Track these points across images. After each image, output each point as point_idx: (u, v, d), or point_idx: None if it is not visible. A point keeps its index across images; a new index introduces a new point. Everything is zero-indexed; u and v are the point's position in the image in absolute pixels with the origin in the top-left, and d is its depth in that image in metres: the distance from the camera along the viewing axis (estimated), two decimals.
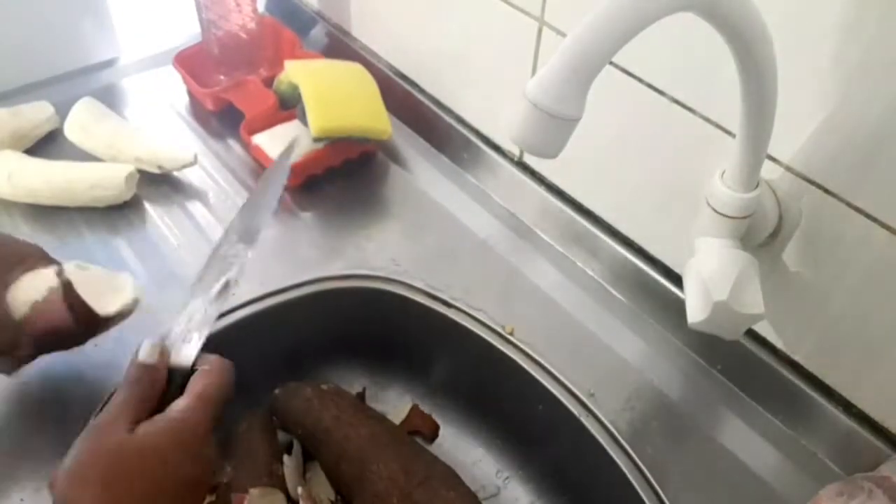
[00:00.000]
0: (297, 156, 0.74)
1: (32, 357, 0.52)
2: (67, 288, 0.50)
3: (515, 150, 0.74)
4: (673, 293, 0.62)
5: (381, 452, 0.59)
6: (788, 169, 0.50)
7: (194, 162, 0.74)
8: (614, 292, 0.67)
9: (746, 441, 0.57)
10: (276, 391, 0.64)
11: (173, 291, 0.63)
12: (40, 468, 0.52)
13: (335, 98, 0.76)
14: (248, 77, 0.84)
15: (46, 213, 0.70)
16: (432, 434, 0.69)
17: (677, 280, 0.62)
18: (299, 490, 0.59)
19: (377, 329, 0.70)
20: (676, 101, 0.55)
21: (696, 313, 0.49)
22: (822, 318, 0.53)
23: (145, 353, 0.43)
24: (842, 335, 0.53)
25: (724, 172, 0.48)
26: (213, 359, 0.45)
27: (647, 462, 0.56)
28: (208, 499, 0.59)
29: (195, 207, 0.73)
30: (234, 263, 0.47)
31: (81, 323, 0.51)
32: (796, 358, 0.57)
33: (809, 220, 0.51)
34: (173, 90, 0.87)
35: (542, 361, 0.62)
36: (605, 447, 0.57)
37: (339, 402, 0.63)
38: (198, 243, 0.68)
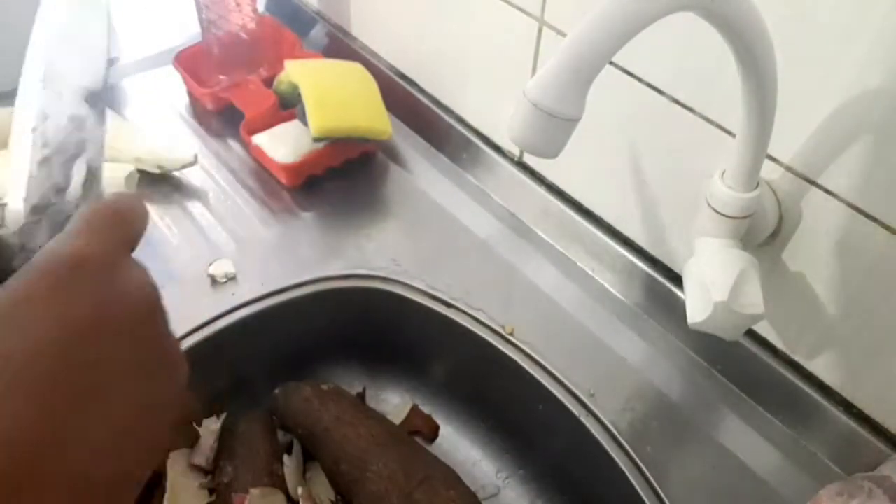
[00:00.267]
0: (297, 156, 0.74)
1: None
2: None
3: (515, 150, 0.74)
4: (673, 293, 0.62)
5: (381, 452, 0.59)
6: (788, 169, 0.50)
7: (194, 162, 0.74)
8: (614, 292, 0.67)
9: (746, 441, 0.57)
10: (276, 391, 0.64)
11: (173, 291, 0.63)
12: None
13: (335, 98, 0.76)
14: (248, 77, 0.84)
15: None
16: (432, 434, 0.69)
17: (677, 280, 0.62)
18: (299, 490, 0.59)
19: (377, 329, 0.70)
20: (676, 101, 0.55)
21: (696, 314, 0.49)
22: (822, 318, 0.53)
23: None
24: (842, 335, 0.53)
25: (724, 172, 0.48)
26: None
27: (647, 462, 0.56)
28: (208, 499, 0.59)
29: (195, 207, 0.73)
30: (86, 139, 0.34)
31: None
32: (796, 358, 0.57)
33: (809, 220, 0.51)
34: (173, 90, 0.87)
35: (542, 361, 0.62)
36: (605, 447, 0.57)
37: (339, 402, 0.63)
38: (198, 243, 0.68)
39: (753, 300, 0.48)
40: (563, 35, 0.60)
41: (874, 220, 0.47)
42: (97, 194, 0.32)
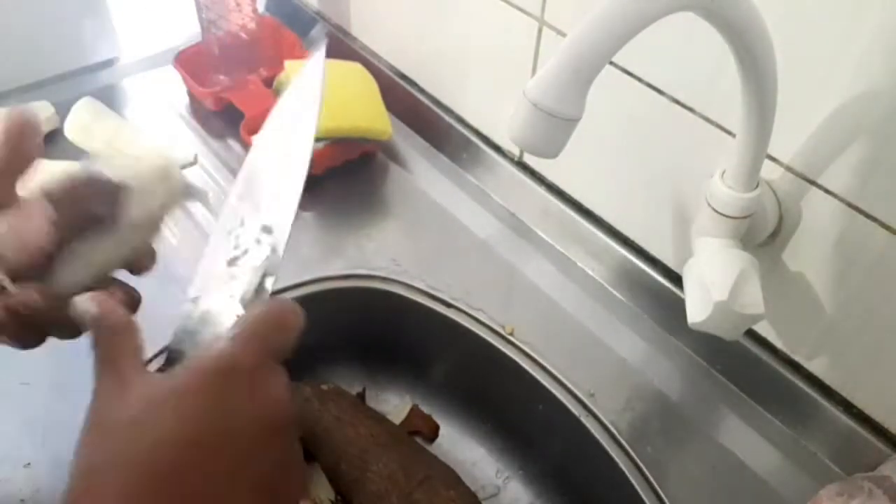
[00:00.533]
0: None
1: None
2: None
3: (515, 150, 0.74)
4: (673, 293, 0.62)
5: (381, 452, 0.59)
6: (788, 169, 0.50)
7: (194, 162, 0.74)
8: (614, 292, 0.67)
9: (746, 441, 0.57)
10: None
11: (173, 291, 0.63)
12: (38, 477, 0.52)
13: (335, 98, 0.76)
14: (248, 77, 0.84)
15: None
16: (432, 434, 0.69)
17: (677, 280, 0.62)
18: None
19: (377, 329, 0.70)
20: (676, 101, 0.55)
21: (696, 313, 0.49)
22: (822, 318, 0.53)
23: (86, 307, 0.30)
24: (842, 335, 0.53)
25: (724, 172, 0.48)
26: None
27: (647, 462, 0.56)
28: None
29: (195, 207, 0.73)
30: (262, 259, 0.35)
31: None
32: (796, 358, 0.57)
33: (809, 220, 0.51)
34: (173, 90, 0.87)
35: (542, 361, 0.62)
36: (605, 447, 0.57)
37: (339, 402, 0.63)
38: (198, 243, 0.68)
39: (753, 300, 0.48)
40: (563, 35, 0.60)
41: (874, 220, 0.47)
42: (264, 300, 0.33)
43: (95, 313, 0.30)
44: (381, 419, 0.64)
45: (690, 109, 0.55)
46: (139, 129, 0.78)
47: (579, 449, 0.59)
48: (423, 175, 0.79)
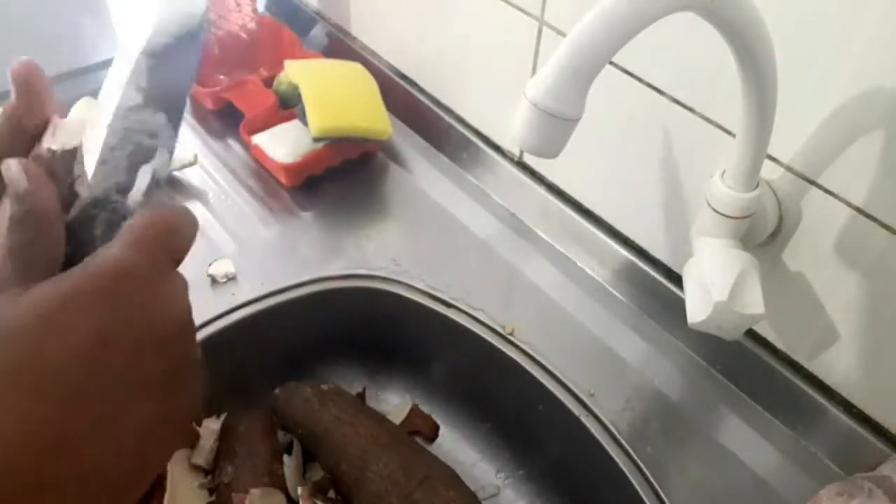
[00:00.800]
0: (297, 156, 0.74)
1: None
2: None
3: (515, 150, 0.74)
4: (673, 293, 0.62)
5: (381, 452, 0.59)
6: (788, 169, 0.50)
7: (194, 162, 0.74)
8: (614, 292, 0.67)
9: (746, 441, 0.57)
10: (276, 391, 0.64)
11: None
12: None
13: (335, 98, 0.76)
14: (248, 77, 0.84)
15: None
16: (432, 434, 0.69)
17: (677, 280, 0.62)
18: (299, 490, 0.59)
19: (377, 329, 0.70)
20: (676, 101, 0.55)
21: (696, 313, 0.49)
22: (822, 318, 0.53)
23: (14, 172, 0.28)
24: (842, 335, 0.53)
25: (724, 172, 0.48)
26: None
27: (647, 462, 0.56)
28: (208, 499, 0.59)
29: (195, 207, 0.73)
30: (157, 147, 0.33)
31: None
32: (796, 358, 0.57)
33: (809, 220, 0.51)
34: None
35: (542, 361, 0.62)
36: (605, 447, 0.57)
37: (339, 402, 0.63)
38: (198, 243, 0.68)
39: (753, 300, 0.48)
40: (563, 35, 0.60)
41: (874, 220, 0.47)
42: (157, 203, 0.32)
43: (25, 188, 0.27)
44: (381, 419, 0.64)
45: (690, 109, 0.55)
46: None
47: (579, 449, 0.59)
48: (423, 175, 0.79)
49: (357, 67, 0.81)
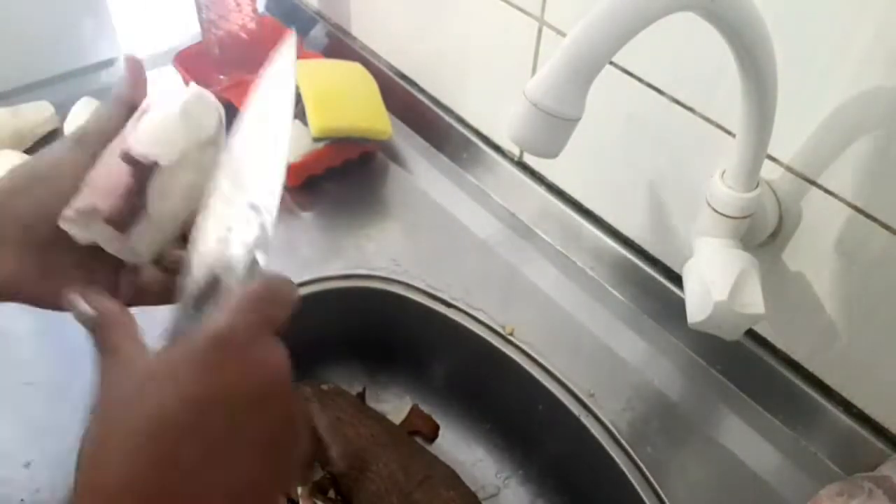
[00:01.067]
0: (297, 156, 0.74)
1: None
2: None
3: (515, 150, 0.74)
4: (673, 293, 0.62)
5: (381, 452, 0.59)
6: (788, 169, 0.50)
7: None
8: (614, 292, 0.67)
9: (746, 441, 0.57)
10: None
11: None
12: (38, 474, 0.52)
13: (335, 98, 0.76)
14: (248, 77, 0.83)
15: None
16: (432, 434, 0.69)
17: (677, 280, 0.62)
18: (299, 490, 0.59)
19: (377, 329, 0.70)
20: (676, 101, 0.55)
21: (696, 313, 0.49)
22: (822, 318, 0.53)
23: (81, 308, 0.32)
24: (842, 335, 0.53)
25: (724, 172, 0.48)
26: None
27: (647, 462, 0.56)
28: None
29: None
30: (252, 236, 0.36)
31: None
32: (796, 358, 0.57)
33: (809, 220, 0.51)
34: None
35: (542, 361, 0.62)
36: (605, 447, 0.57)
37: (339, 402, 0.63)
38: None
39: (753, 300, 0.48)
40: (563, 35, 0.60)
41: (874, 220, 0.47)
42: (260, 274, 0.35)
43: (92, 315, 0.32)
44: (381, 419, 0.64)
45: (690, 109, 0.55)
46: None
47: (579, 449, 0.59)
48: (423, 175, 0.79)
49: (357, 67, 0.81)
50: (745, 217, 0.48)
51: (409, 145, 0.82)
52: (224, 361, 0.28)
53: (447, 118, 0.79)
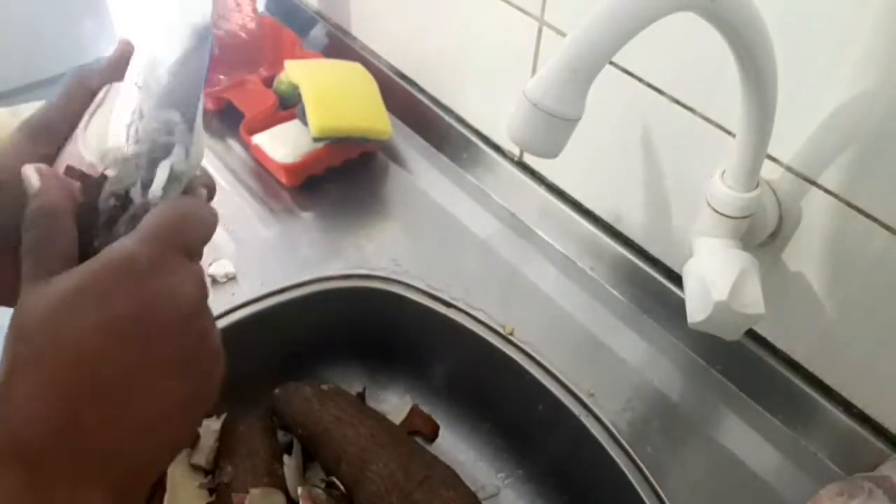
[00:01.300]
0: (297, 156, 0.74)
1: None
2: None
3: (515, 150, 0.74)
4: (673, 293, 0.62)
5: (381, 452, 0.59)
6: (788, 169, 0.50)
7: None
8: (614, 292, 0.67)
9: (746, 441, 0.57)
10: (276, 391, 0.64)
11: None
12: None
13: (335, 98, 0.76)
14: (248, 77, 0.84)
15: None
16: (432, 434, 0.69)
17: (677, 280, 0.62)
18: (299, 490, 0.59)
19: (377, 329, 0.70)
20: (676, 101, 0.55)
21: (696, 313, 0.49)
22: (822, 318, 0.53)
23: (28, 174, 0.31)
24: (842, 335, 0.53)
25: (724, 172, 0.48)
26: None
27: (647, 462, 0.56)
28: (208, 499, 0.59)
29: None
30: (174, 143, 0.35)
31: None
32: (796, 358, 0.57)
33: (809, 220, 0.51)
34: None
35: (542, 361, 0.62)
36: (605, 447, 0.57)
37: (339, 402, 0.63)
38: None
39: (753, 300, 0.48)
40: (563, 35, 0.60)
41: (874, 219, 0.47)
42: (175, 197, 0.33)
43: (36, 186, 0.30)
44: (381, 419, 0.64)
45: (690, 109, 0.55)
46: None
47: (579, 449, 0.59)
48: (423, 175, 0.79)
49: (357, 67, 0.81)
50: (745, 217, 0.48)
51: (409, 145, 0.82)
52: (136, 283, 0.28)
53: (447, 118, 0.79)
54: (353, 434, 0.60)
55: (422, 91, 0.82)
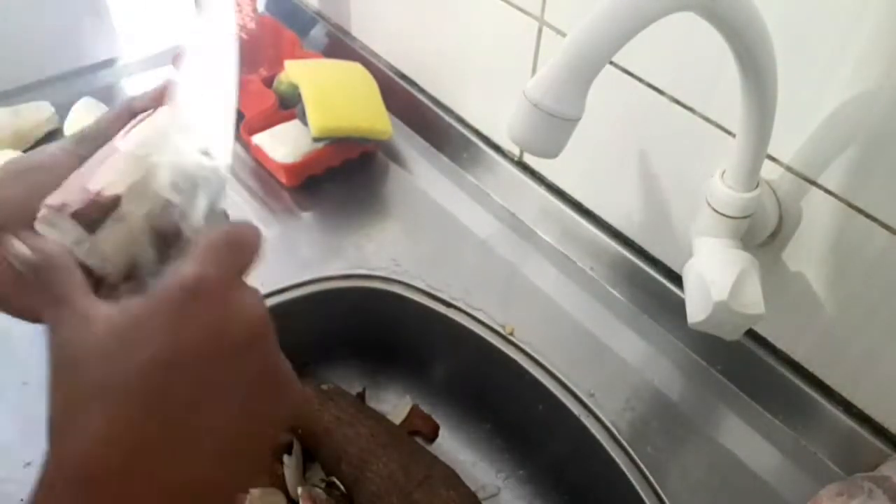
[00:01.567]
0: (297, 156, 0.74)
1: None
2: None
3: (515, 150, 0.74)
4: (673, 293, 0.62)
5: (381, 452, 0.59)
6: (788, 169, 0.50)
7: None
8: (614, 292, 0.67)
9: (746, 441, 0.57)
10: None
11: None
12: None
13: (335, 98, 0.76)
14: (248, 77, 0.84)
15: None
16: (432, 434, 0.69)
17: (677, 280, 0.62)
18: (299, 490, 0.59)
19: (377, 329, 0.70)
20: (676, 101, 0.55)
21: (696, 313, 0.49)
22: (822, 318, 0.53)
23: (17, 248, 0.30)
24: (842, 335, 0.53)
25: (724, 172, 0.48)
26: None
27: (647, 462, 0.56)
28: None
29: None
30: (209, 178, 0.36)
31: None
32: (796, 358, 0.57)
33: (809, 220, 0.51)
34: None
35: (542, 361, 0.62)
36: (605, 447, 0.57)
37: (339, 402, 0.63)
38: None
39: (753, 300, 0.48)
40: (563, 35, 0.60)
41: (874, 219, 0.47)
42: (220, 223, 0.34)
43: (31, 257, 0.30)
44: (381, 419, 0.64)
45: (690, 109, 0.55)
46: None
47: (579, 449, 0.59)
48: (423, 175, 0.79)
49: (357, 67, 0.81)
50: (745, 217, 0.48)
51: (409, 145, 0.82)
52: (200, 311, 0.27)
53: (447, 118, 0.79)
54: (353, 434, 0.60)
55: (422, 91, 0.82)
